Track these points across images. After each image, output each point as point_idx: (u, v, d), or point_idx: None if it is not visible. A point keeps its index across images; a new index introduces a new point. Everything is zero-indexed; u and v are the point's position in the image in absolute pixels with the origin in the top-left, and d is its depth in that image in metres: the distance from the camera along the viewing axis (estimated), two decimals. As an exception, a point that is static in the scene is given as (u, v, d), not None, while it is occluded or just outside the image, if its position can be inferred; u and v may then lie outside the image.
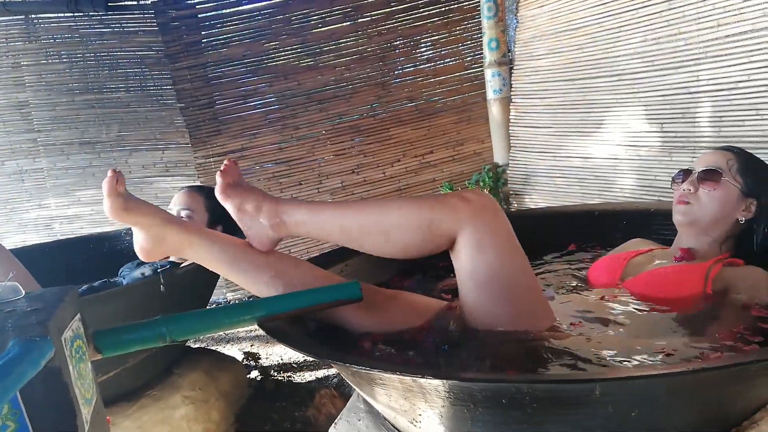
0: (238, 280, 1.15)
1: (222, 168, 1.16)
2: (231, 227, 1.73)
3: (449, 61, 3.67)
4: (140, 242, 1.17)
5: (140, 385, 1.82)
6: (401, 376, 0.84)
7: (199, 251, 1.14)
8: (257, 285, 1.13)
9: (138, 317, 0.95)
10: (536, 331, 1.03)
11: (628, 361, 0.92)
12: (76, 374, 0.75)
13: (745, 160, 1.30)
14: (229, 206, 1.15)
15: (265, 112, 3.66)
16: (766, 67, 2.04)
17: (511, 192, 3.42)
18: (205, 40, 3.60)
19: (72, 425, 0.71)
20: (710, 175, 1.28)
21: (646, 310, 1.15)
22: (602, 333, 1.05)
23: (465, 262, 1.03)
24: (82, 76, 3.58)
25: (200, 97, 3.60)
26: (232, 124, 3.63)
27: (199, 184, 3.47)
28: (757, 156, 1.34)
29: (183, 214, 1.76)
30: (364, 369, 0.86)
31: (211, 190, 1.93)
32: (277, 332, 1.01)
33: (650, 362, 0.92)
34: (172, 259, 1.80)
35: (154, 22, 3.54)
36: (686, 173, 1.33)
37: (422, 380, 0.82)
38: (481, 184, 3.38)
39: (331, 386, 1.96)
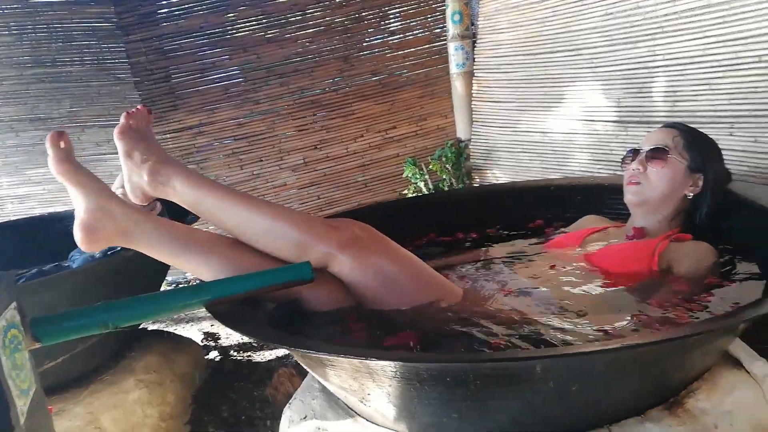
0: (183, 265, 1.11)
1: (130, 111, 1.18)
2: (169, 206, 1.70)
3: (416, 33, 3.62)
4: (81, 214, 1.08)
5: (91, 370, 1.78)
6: (348, 358, 0.84)
7: (144, 233, 1.09)
8: (206, 270, 1.10)
9: (87, 303, 0.92)
10: (445, 306, 1.08)
11: (562, 334, 0.94)
12: (9, 365, 0.73)
13: (690, 135, 1.33)
14: (120, 147, 1.16)
15: (224, 87, 3.56)
16: (720, 42, 2.06)
17: (473, 167, 3.43)
18: (161, 11, 3.46)
19: (5, 418, 0.69)
20: (658, 154, 1.31)
21: (593, 284, 1.18)
22: (540, 305, 1.08)
23: (351, 278, 1.07)
24: (32, 49, 3.42)
25: (156, 71, 3.48)
26: (189, 99, 3.53)
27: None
28: (707, 131, 1.37)
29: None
30: (310, 352, 0.86)
31: None
32: (224, 316, 1.00)
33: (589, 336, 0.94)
34: None
35: (106, -8, 3.39)
36: (635, 153, 1.36)
37: (369, 361, 0.82)
38: (444, 159, 3.38)
39: (290, 365, 1.96)
